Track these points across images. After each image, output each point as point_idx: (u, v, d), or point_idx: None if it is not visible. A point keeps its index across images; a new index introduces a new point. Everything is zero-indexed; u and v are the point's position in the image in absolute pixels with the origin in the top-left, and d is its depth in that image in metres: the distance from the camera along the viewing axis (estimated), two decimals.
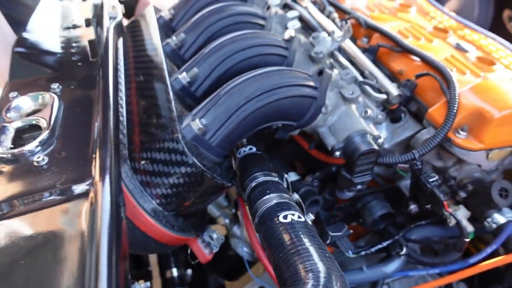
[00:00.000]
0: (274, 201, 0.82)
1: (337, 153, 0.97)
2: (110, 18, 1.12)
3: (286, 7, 1.53)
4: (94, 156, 0.66)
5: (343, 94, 0.99)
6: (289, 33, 1.09)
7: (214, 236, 0.98)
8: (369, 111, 1.01)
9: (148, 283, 0.76)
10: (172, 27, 1.31)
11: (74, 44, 1.03)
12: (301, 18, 1.44)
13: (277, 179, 0.93)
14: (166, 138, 0.86)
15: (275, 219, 0.77)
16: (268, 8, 1.24)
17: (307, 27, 1.44)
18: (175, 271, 1.51)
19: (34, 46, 1.01)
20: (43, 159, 0.68)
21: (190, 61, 1.08)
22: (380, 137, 0.97)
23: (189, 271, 1.54)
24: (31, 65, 0.97)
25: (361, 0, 1.47)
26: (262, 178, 0.91)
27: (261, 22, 1.22)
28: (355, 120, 0.98)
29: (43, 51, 1.03)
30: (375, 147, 0.93)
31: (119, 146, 0.76)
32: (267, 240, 0.75)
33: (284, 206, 0.80)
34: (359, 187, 1.02)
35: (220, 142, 0.89)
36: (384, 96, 1.08)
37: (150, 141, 0.88)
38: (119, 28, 1.10)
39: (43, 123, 0.75)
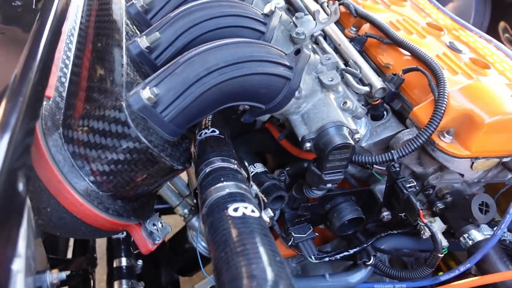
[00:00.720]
0: (227, 190, 0.70)
1: (307, 144, 0.85)
2: None
3: None
4: None
5: (322, 80, 0.87)
6: (269, 6, 0.97)
7: (159, 225, 0.85)
8: (349, 103, 0.90)
9: (63, 274, 0.63)
10: None
11: None
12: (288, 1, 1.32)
13: (236, 167, 0.81)
14: (108, 105, 0.72)
15: (225, 210, 0.65)
16: None
17: (292, 9, 1.33)
18: (124, 261, 1.37)
19: None
20: None
21: (154, 25, 0.94)
22: (357, 132, 0.86)
23: (140, 262, 1.40)
24: None
25: None
26: (218, 164, 0.79)
27: None
28: (331, 110, 0.87)
29: None
30: (351, 142, 0.82)
31: (39, 105, 0.62)
32: (212, 234, 0.63)
33: (237, 197, 0.68)
34: (329, 185, 0.91)
35: (173, 117, 0.77)
36: (366, 89, 0.98)
37: (92, 108, 0.74)
38: None
39: None
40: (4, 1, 0.86)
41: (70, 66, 0.88)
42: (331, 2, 0.98)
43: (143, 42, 0.88)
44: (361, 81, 1.01)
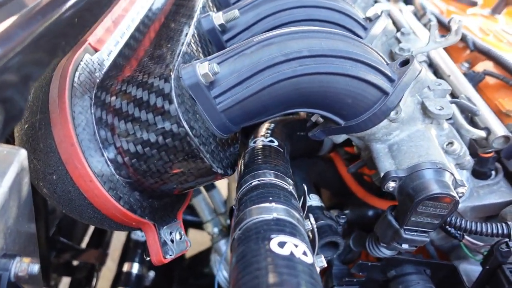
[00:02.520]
0: (274, 214, 0.50)
1: (391, 184, 0.63)
2: None
3: (377, 2, 1.24)
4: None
5: (427, 106, 0.66)
6: (374, 10, 0.79)
7: (177, 236, 0.67)
8: (456, 145, 0.68)
9: (36, 267, 0.47)
10: None
11: None
12: (390, 17, 1.14)
13: (291, 188, 0.61)
14: (155, 72, 0.58)
15: (266, 242, 0.46)
16: None
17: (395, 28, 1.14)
18: (135, 267, 1.21)
19: None
20: None
21: (235, 4, 0.81)
22: (463, 185, 0.63)
23: (152, 274, 1.23)
24: None
25: (474, 20, 1.14)
26: (269, 179, 0.60)
27: None
28: (432, 147, 0.65)
29: None
30: (454, 195, 0.59)
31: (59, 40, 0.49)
32: (239, 270, 0.44)
33: (286, 227, 0.49)
34: (405, 246, 0.68)
35: (228, 107, 0.60)
36: (481, 133, 0.74)
37: (138, 72, 0.60)
38: None
39: None
40: None
41: (132, 30, 0.76)
42: (454, 18, 0.78)
43: (218, 18, 0.75)
44: (472, 122, 0.78)
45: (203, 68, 0.58)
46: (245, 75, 0.59)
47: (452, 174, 0.62)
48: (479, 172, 0.79)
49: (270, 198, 0.54)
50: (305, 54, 0.58)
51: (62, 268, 1.23)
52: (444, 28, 1.12)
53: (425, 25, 1.09)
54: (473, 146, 0.79)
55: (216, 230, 1.16)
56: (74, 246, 1.19)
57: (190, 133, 0.55)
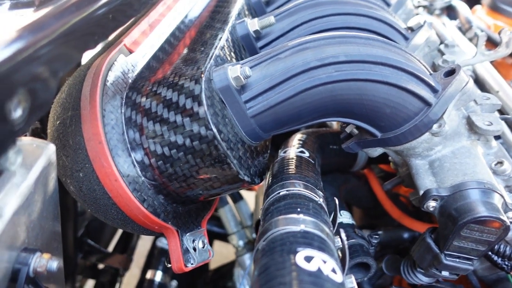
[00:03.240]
0: (302, 226, 0.47)
1: (432, 203, 0.58)
2: None
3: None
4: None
5: (474, 121, 0.61)
6: (417, 19, 0.75)
7: (199, 244, 0.65)
8: (506, 165, 0.62)
9: (55, 264, 0.46)
10: None
11: None
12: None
13: (321, 201, 0.58)
14: (187, 73, 0.57)
15: (291, 255, 0.42)
16: None
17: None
18: (158, 275, 1.20)
19: None
20: None
21: (271, 12, 0.80)
22: None
23: (174, 283, 1.21)
24: None
25: None
26: (299, 189, 0.57)
27: (382, 5, 0.89)
28: (479, 165, 0.59)
29: None
30: (505, 219, 0.53)
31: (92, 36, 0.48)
32: (261, 283, 0.41)
33: (314, 241, 0.45)
34: (445, 274, 0.62)
35: (258, 112, 0.58)
36: None
37: (169, 73, 0.60)
38: None
39: None
40: None
41: (167, 34, 0.77)
42: (504, 30, 0.72)
43: (253, 24, 0.74)
44: None
45: (234, 71, 0.56)
46: (278, 79, 0.57)
47: (502, 196, 0.56)
48: None
49: (298, 209, 0.51)
50: (342, 59, 0.55)
51: (87, 270, 1.24)
52: (492, 43, 1.05)
53: (470, 39, 1.03)
54: None
55: (241, 243, 1.13)
56: (100, 249, 1.19)
57: (218, 136, 0.54)
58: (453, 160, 0.61)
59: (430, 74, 0.61)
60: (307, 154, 0.74)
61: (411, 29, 0.76)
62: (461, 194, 0.56)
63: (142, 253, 1.34)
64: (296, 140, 0.80)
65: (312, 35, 0.60)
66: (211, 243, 1.47)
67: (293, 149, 0.74)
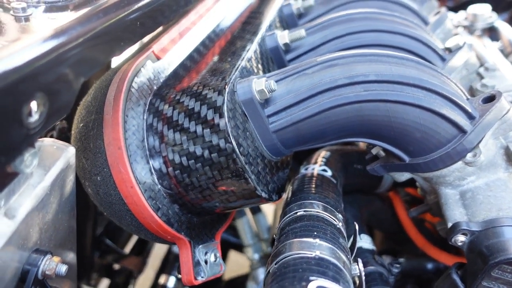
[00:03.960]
0: (317, 252, 0.45)
1: (461, 238, 0.54)
2: None
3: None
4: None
5: None
6: (456, 40, 0.72)
7: (211, 258, 0.64)
8: None
9: (63, 268, 0.46)
10: None
11: None
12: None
13: (340, 225, 0.55)
14: (211, 84, 0.56)
15: (303, 283, 0.40)
16: (437, 13, 0.88)
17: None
18: (171, 281, 1.19)
19: None
20: (23, 10, 0.45)
21: (303, 25, 0.78)
22: None
23: None
24: None
25: None
26: (317, 211, 0.55)
27: (420, 23, 0.86)
28: None
29: None
30: None
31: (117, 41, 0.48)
32: None
33: (329, 269, 0.42)
34: None
35: (281, 128, 0.57)
36: None
37: (195, 83, 0.59)
38: None
39: None
40: None
41: (197, 43, 0.77)
42: None
43: (283, 37, 0.73)
44: None
45: (259, 84, 0.55)
46: (303, 95, 0.55)
47: None
48: None
49: (315, 233, 0.48)
50: (372, 79, 0.53)
51: (103, 269, 1.25)
52: None
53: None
54: None
55: (256, 256, 1.10)
56: (117, 250, 1.20)
57: (237, 150, 0.52)
58: (487, 192, 0.56)
59: (467, 99, 0.58)
60: (329, 173, 0.71)
61: (449, 50, 0.72)
62: (494, 231, 0.52)
63: (158, 255, 1.34)
64: (319, 157, 0.77)
65: (342, 51, 0.58)
66: (226, 253, 1.45)
67: (316, 166, 0.72)
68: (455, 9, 1.90)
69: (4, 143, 0.29)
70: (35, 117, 0.31)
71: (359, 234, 0.77)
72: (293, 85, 0.57)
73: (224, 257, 1.49)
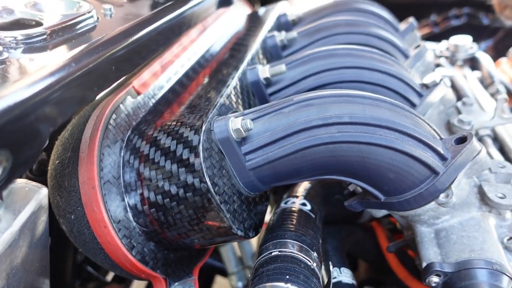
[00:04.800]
0: None
1: (434, 279, 0.54)
2: None
3: (438, 66, 1.17)
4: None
5: (486, 192, 0.57)
6: (432, 77, 0.73)
7: None
8: None
9: None
10: (291, 29, 1.06)
11: None
12: (452, 83, 1.06)
13: (314, 266, 0.55)
14: (187, 122, 0.57)
15: None
16: (417, 47, 0.90)
17: (456, 97, 1.06)
18: None
19: None
20: (0, 53, 0.45)
21: (284, 59, 0.80)
22: None
23: None
24: None
25: None
26: (291, 251, 0.55)
27: (400, 58, 0.88)
28: (489, 241, 0.55)
29: None
30: None
31: (92, 86, 0.49)
32: None
33: None
34: None
35: (257, 166, 0.57)
36: None
37: (172, 122, 0.60)
38: None
39: (46, 23, 0.54)
40: None
41: (180, 75, 0.78)
42: None
43: (264, 71, 0.74)
44: None
45: (236, 123, 0.56)
46: (279, 134, 0.56)
47: (511, 277, 0.52)
48: None
49: (287, 277, 0.48)
50: (346, 120, 0.54)
51: None
52: None
53: (492, 95, 1.00)
54: None
55: (240, 284, 1.09)
56: (99, 277, 1.18)
57: (212, 190, 0.52)
58: (461, 232, 0.57)
59: (441, 138, 0.59)
60: (309, 207, 0.71)
61: (426, 86, 0.74)
62: (467, 273, 0.52)
63: (141, 283, 1.32)
64: (300, 189, 0.78)
65: (321, 88, 0.59)
66: (212, 278, 1.44)
67: (296, 200, 0.72)
68: (440, 35, 1.95)
69: None
70: None
71: (340, 267, 0.77)
72: (270, 124, 0.58)
73: (211, 281, 1.47)
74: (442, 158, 0.55)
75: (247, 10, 1.29)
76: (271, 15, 1.06)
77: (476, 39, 1.88)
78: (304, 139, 0.55)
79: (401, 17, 1.85)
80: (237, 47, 0.89)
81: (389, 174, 0.55)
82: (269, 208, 1.14)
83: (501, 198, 0.57)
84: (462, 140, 0.57)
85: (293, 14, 1.08)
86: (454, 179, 0.55)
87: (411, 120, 0.56)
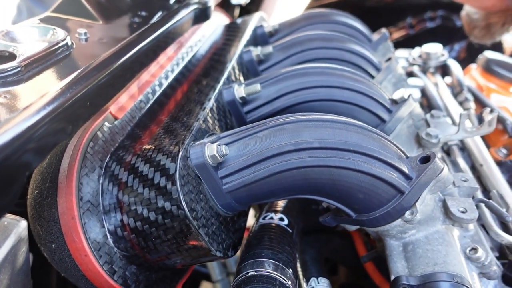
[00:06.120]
0: None
1: None
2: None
3: (411, 75, 1.21)
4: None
5: (449, 207, 0.61)
6: (402, 93, 0.77)
7: None
8: (480, 252, 0.61)
9: None
10: (268, 41, 1.08)
11: (147, 8, 0.85)
12: (423, 93, 1.11)
13: (289, 284, 0.58)
14: (165, 149, 0.58)
15: None
16: (388, 60, 0.94)
17: (427, 106, 1.10)
18: None
19: None
20: None
21: (259, 77, 0.82)
22: None
23: None
24: (83, 8, 0.80)
25: None
26: (267, 270, 0.57)
27: (373, 71, 0.91)
28: (451, 253, 0.59)
29: (107, 1, 0.87)
30: None
31: (75, 122, 0.50)
32: None
33: None
34: None
35: (234, 189, 0.59)
36: None
37: (150, 146, 0.61)
38: (201, 13, 0.91)
39: (22, 55, 0.54)
40: (127, 11, 0.84)
41: (158, 94, 0.79)
42: (487, 109, 0.74)
43: (240, 91, 0.76)
44: (504, 226, 0.71)
45: (211, 149, 0.58)
46: (254, 159, 0.58)
47: None
48: (510, 279, 0.71)
49: None
50: (316, 146, 0.57)
51: None
52: (482, 106, 1.06)
53: (461, 103, 1.04)
54: (504, 249, 0.71)
55: None
56: None
57: (190, 216, 0.54)
58: (426, 246, 0.60)
59: (407, 157, 0.62)
60: (286, 221, 0.74)
61: (395, 101, 0.77)
62: (431, 286, 0.56)
63: None
64: (277, 203, 0.80)
65: (291, 115, 0.62)
66: (198, 284, 1.46)
67: (273, 215, 0.75)
68: (416, 36, 2.00)
69: None
70: None
71: (317, 277, 0.80)
72: (245, 148, 0.60)
73: (196, 286, 1.49)
74: (407, 177, 0.59)
75: (224, 20, 1.30)
76: (248, 27, 1.08)
77: (450, 41, 1.94)
78: (278, 164, 0.57)
79: (377, 20, 1.89)
80: (214, 64, 0.90)
81: (359, 195, 0.58)
82: (252, 211, 1.16)
83: (463, 212, 0.61)
84: (426, 160, 0.60)
85: (269, 26, 1.10)
86: (418, 197, 0.58)
87: (378, 142, 0.59)
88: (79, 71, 0.50)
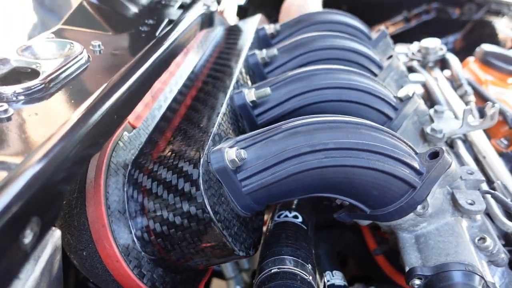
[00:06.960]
0: None
1: (416, 281, 0.61)
2: (204, 5, 0.96)
3: (411, 70, 1.24)
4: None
5: (458, 200, 0.64)
6: (406, 90, 0.80)
7: None
8: (488, 241, 0.64)
9: None
10: (270, 43, 1.11)
11: (153, 16, 0.87)
12: (424, 87, 1.13)
13: (310, 279, 0.61)
14: (185, 156, 0.61)
15: None
16: (390, 57, 0.96)
17: (429, 100, 1.13)
18: None
19: (108, 2, 0.88)
20: (6, 111, 0.48)
21: (268, 80, 0.84)
22: None
23: None
24: (92, 19, 0.82)
25: None
26: (289, 267, 0.60)
27: (375, 69, 0.94)
28: (462, 244, 0.62)
29: (114, 11, 0.89)
30: None
31: (106, 135, 0.52)
32: None
33: None
34: None
35: (253, 191, 0.62)
36: None
37: (170, 152, 0.64)
38: (206, 18, 0.93)
39: (44, 72, 0.56)
40: (134, 23, 0.86)
41: (169, 100, 0.81)
42: (489, 103, 0.77)
43: (250, 95, 0.78)
44: (508, 215, 0.75)
45: (230, 154, 0.60)
46: (271, 162, 0.61)
47: (482, 277, 0.59)
48: None
49: None
50: (331, 147, 0.59)
51: None
52: (482, 99, 1.09)
53: (461, 96, 1.07)
54: (509, 237, 0.75)
55: None
56: None
57: (214, 218, 0.57)
58: (437, 238, 0.64)
59: (416, 153, 0.65)
60: (300, 219, 0.77)
61: (400, 99, 0.80)
62: (444, 276, 0.59)
63: None
64: (291, 201, 0.83)
65: (304, 117, 0.64)
66: (209, 281, 1.49)
67: (288, 213, 0.78)
68: (413, 29, 2.02)
69: (4, 268, 0.33)
70: (29, 238, 0.35)
71: (332, 270, 0.83)
72: (262, 151, 0.62)
73: (208, 284, 1.52)
74: (418, 173, 0.62)
75: (224, 23, 1.32)
76: (250, 30, 1.10)
77: (446, 32, 1.97)
78: (295, 165, 0.60)
79: (374, 15, 1.92)
80: (220, 68, 0.92)
81: (373, 191, 0.61)
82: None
83: (471, 204, 0.64)
84: (434, 155, 0.63)
85: (270, 27, 1.12)
86: (429, 192, 0.61)
87: (389, 140, 0.62)
88: (104, 85, 0.52)
